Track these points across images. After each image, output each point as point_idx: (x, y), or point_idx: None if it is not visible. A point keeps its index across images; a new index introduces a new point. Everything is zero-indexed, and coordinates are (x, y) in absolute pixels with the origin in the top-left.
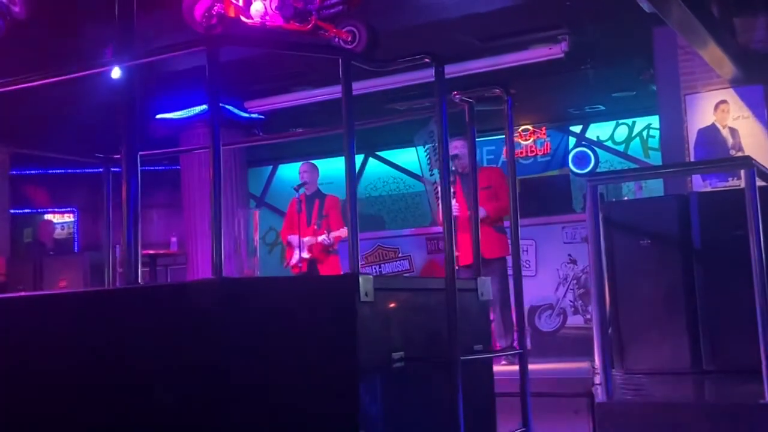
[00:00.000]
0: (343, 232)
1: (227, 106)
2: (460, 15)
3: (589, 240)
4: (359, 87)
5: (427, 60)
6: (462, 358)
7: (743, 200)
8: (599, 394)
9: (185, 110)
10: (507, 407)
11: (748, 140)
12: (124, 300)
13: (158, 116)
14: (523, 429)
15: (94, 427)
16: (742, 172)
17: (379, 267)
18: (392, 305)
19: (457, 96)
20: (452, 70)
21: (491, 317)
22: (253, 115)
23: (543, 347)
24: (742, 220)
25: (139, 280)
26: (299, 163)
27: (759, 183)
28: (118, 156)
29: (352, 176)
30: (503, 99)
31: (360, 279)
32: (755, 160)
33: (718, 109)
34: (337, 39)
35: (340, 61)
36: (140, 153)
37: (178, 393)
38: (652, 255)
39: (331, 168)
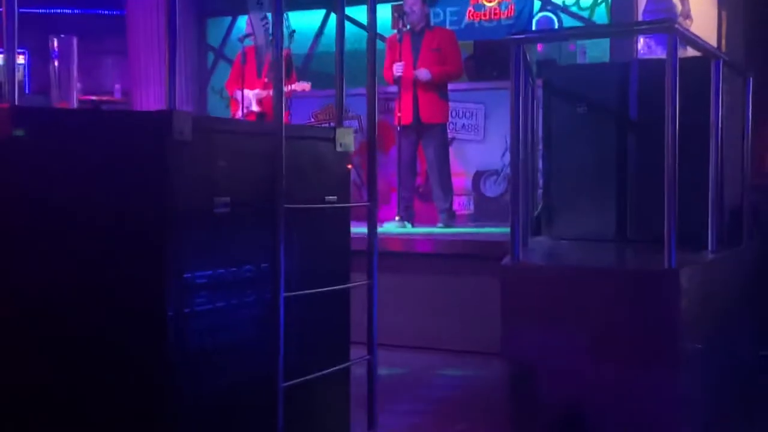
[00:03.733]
0: (302, 85)
1: None
2: None
3: (511, 104)
4: None
5: None
6: (287, 206)
7: (685, 70)
8: (506, 257)
9: None
10: (424, 265)
11: (697, 8)
12: None
13: None
14: (368, 281)
15: None
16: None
17: (329, 125)
18: (215, 147)
19: None
20: None
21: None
22: None
23: (486, 212)
24: (681, 92)
25: None
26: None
27: (693, 53)
28: None
29: (172, 35)
30: None
31: (173, 116)
32: (679, 25)
33: None
34: None
35: None
36: None
37: None
38: (588, 123)
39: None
